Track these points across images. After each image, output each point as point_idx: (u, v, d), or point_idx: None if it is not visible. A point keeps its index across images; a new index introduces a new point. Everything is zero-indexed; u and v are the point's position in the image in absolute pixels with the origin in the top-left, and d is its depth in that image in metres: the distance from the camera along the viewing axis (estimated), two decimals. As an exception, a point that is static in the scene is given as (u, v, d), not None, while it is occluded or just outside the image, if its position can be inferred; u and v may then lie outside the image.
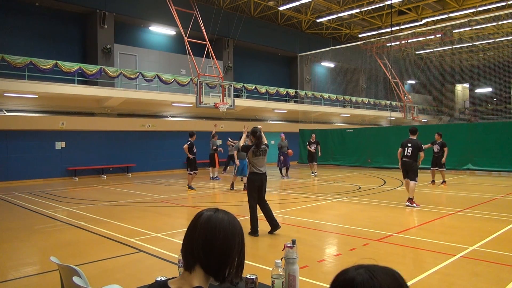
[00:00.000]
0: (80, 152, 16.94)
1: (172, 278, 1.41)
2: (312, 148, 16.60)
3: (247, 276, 1.89)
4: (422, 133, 18.03)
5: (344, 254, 5.40)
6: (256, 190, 6.66)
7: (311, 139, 16.89)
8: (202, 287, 1.31)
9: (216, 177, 15.66)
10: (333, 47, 24.33)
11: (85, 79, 16.62)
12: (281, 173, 16.22)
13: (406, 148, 9.42)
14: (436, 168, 13.50)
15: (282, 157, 15.86)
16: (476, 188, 12.48)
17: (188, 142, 12.28)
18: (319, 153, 16.82)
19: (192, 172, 12.47)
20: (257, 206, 6.66)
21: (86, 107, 16.99)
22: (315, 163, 16.71)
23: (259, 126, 7.01)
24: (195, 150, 12.49)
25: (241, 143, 7.14)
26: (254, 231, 6.50)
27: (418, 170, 9.29)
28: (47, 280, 4.58)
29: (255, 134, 6.78)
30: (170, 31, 20.91)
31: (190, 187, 12.51)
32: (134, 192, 12.37)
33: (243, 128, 7.40)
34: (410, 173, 9.12)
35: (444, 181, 13.21)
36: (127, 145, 18.32)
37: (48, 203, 10.19)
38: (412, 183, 8.98)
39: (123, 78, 17.13)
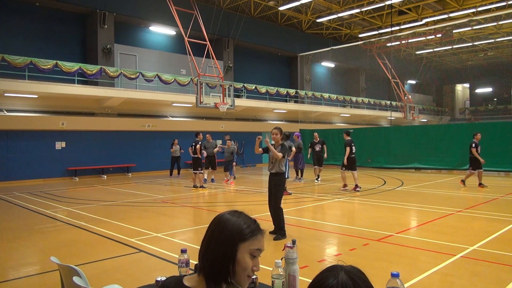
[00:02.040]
0: (80, 152, 16.95)
1: (188, 274, 1.41)
2: (317, 148, 14.60)
3: (247, 276, 1.89)
4: (422, 134, 18.16)
5: (344, 254, 5.40)
6: None
7: (314, 139, 14.95)
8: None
9: (212, 179, 14.91)
10: (333, 47, 24.34)
11: (85, 79, 16.62)
12: (297, 174, 14.87)
13: (353, 147, 11.79)
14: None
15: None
16: (476, 188, 12.47)
17: (200, 142, 12.89)
18: (325, 155, 14.62)
19: (201, 172, 12.85)
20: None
21: (86, 107, 16.99)
22: (320, 167, 14.61)
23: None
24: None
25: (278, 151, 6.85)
26: (284, 233, 6.38)
27: None
28: (47, 280, 4.58)
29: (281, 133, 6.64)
30: (170, 31, 20.92)
31: (201, 186, 12.73)
32: (134, 192, 12.37)
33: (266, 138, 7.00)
34: (354, 165, 11.73)
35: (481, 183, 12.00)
36: (127, 145, 18.33)
37: (48, 203, 10.19)
38: (356, 173, 11.78)
39: (123, 78, 17.13)
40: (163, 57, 20.95)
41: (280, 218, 6.42)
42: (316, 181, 14.35)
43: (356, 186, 11.69)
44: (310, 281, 1.10)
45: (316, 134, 15.28)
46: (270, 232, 6.57)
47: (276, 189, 6.49)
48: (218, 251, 1.30)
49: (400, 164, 18.50)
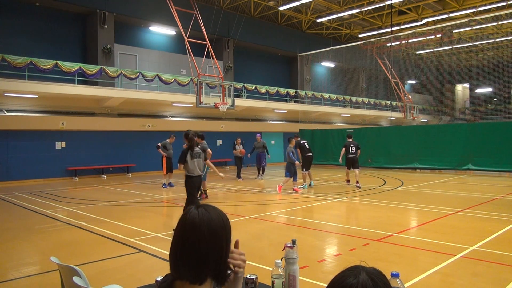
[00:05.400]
0: (80, 152, 16.94)
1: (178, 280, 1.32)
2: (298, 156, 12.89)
3: (247, 276, 1.89)
4: (422, 134, 18.16)
5: (344, 254, 5.40)
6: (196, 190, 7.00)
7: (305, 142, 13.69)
8: None
9: (170, 183, 13.55)
10: (333, 47, 24.33)
11: (85, 79, 16.61)
12: (259, 172, 16.06)
13: (350, 148, 13.06)
14: None
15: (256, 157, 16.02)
16: (476, 188, 12.48)
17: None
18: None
19: None
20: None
21: (86, 107, 16.99)
22: (304, 171, 12.92)
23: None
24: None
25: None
26: None
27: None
28: (48, 280, 4.58)
29: (187, 136, 6.96)
30: (170, 31, 20.91)
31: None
32: (134, 192, 12.37)
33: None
34: (356, 164, 12.87)
35: None
36: (127, 145, 18.32)
37: (48, 203, 10.19)
38: (357, 171, 12.83)
39: (123, 78, 17.12)
40: (163, 57, 20.94)
41: None
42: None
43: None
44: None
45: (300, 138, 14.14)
46: None
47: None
48: (219, 251, 1.30)
49: (400, 164, 18.50)
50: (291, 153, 11.91)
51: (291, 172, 12.06)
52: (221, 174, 8.09)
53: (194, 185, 6.84)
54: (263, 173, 16.02)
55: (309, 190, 12.34)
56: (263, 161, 15.87)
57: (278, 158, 24.24)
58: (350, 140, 13.43)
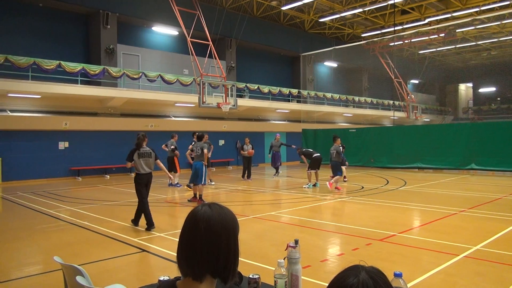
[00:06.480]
0: (83, 152, 16.99)
1: (179, 278, 1.36)
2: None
3: (250, 276, 1.90)
4: (425, 134, 18.12)
5: (347, 254, 5.39)
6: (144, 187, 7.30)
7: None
8: None
9: (177, 183, 13.53)
10: (336, 47, 24.29)
11: (88, 79, 16.66)
12: (277, 171, 16.86)
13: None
14: None
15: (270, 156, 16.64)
16: (480, 188, 12.43)
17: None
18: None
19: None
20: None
21: (89, 107, 17.03)
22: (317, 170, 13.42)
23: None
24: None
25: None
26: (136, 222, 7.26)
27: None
28: (50, 280, 4.59)
29: (137, 137, 7.52)
30: (173, 31, 20.94)
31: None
32: (137, 192, 12.37)
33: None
34: (344, 163, 13.45)
35: None
36: (130, 145, 18.17)
37: (51, 203, 10.22)
38: (344, 168, 13.53)
39: (126, 78, 17.15)
40: (166, 57, 20.97)
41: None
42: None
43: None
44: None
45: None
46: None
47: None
48: (217, 250, 1.30)
49: (403, 164, 18.46)
50: (341, 152, 12.05)
51: (340, 170, 12.10)
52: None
53: (141, 182, 7.21)
54: (277, 172, 16.59)
55: (314, 190, 12.34)
56: (278, 160, 16.46)
57: (282, 157, 24.19)
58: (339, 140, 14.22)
